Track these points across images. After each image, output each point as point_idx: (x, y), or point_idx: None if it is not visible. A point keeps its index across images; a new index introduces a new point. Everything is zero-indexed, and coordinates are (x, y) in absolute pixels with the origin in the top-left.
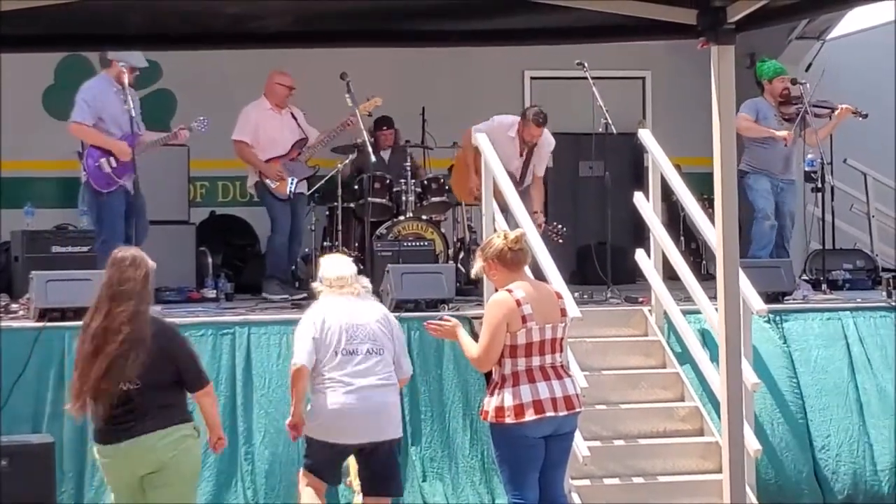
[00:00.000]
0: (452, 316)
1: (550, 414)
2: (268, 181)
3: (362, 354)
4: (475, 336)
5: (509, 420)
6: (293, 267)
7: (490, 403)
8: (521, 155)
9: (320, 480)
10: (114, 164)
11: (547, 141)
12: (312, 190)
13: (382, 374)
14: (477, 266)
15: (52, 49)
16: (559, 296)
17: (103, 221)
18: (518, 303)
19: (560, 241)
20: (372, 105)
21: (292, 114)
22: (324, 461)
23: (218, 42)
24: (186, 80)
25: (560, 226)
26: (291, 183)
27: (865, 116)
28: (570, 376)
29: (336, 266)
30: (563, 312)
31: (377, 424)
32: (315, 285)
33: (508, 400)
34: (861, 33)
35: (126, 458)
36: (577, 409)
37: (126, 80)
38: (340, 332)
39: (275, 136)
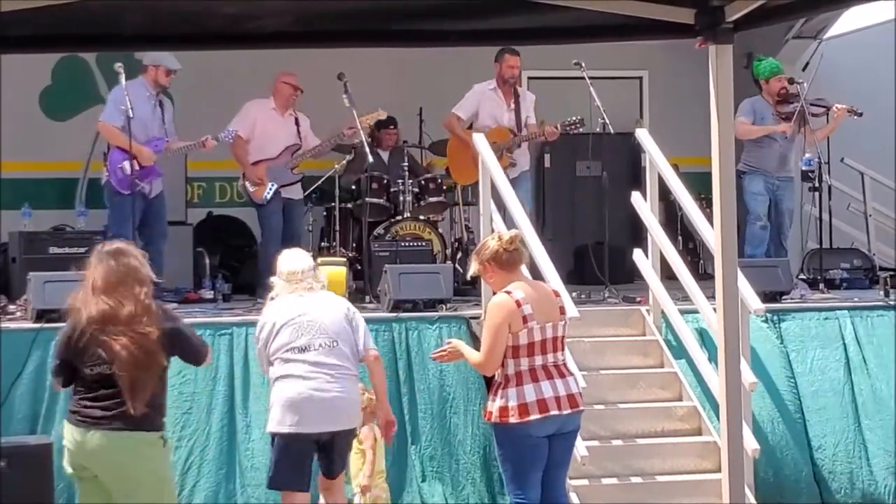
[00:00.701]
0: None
1: (555, 412)
2: (247, 183)
3: (316, 349)
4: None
5: (514, 420)
6: None
7: (494, 404)
8: (510, 106)
9: (293, 493)
10: (135, 166)
11: (528, 93)
12: (310, 190)
13: (338, 366)
14: (473, 268)
15: (49, 50)
16: (557, 294)
17: (115, 221)
18: (518, 303)
19: (581, 128)
20: (374, 118)
21: (297, 119)
22: (289, 462)
23: (216, 42)
24: (184, 80)
25: (575, 117)
26: (269, 190)
27: (860, 115)
28: (571, 374)
29: (291, 261)
30: (563, 311)
31: (334, 415)
32: (272, 279)
33: (513, 400)
34: (857, 32)
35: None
36: (581, 408)
37: (119, 80)
38: (291, 330)
39: (271, 136)
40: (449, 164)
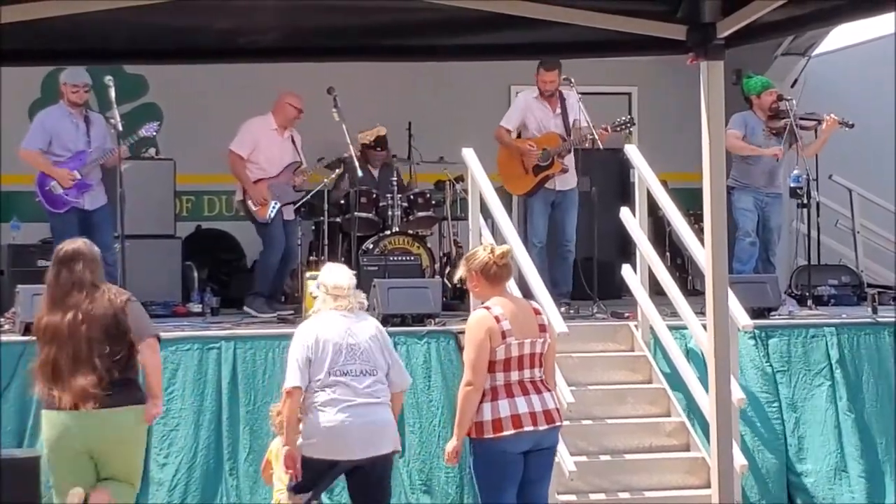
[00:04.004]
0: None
1: (529, 428)
2: (249, 202)
3: (355, 375)
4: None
5: (488, 435)
6: (284, 283)
7: None
8: (556, 112)
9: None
10: (70, 181)
11: (572, 94)
12: (299, 204)
13: (375, 392)
14: (459, 273)
15: (40, 63)
16: (538, 311)
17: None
18: (497, 319)
19: (631, 128)
20: (374, 133)
21: (292, 137)
22: (318, 479)
23: (207, 56)
24: (173, 93)
25: (626, 117)
26: (273, 208)
27: (851, 126)
28: (549, 391)
29: (335, 275)
30: (542, 328)
31: (374, 440)
32: (312, 289)
33: (487, 415)
34: (846, 50)
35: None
36: (557, 424)
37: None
38: (334, 352)
39: (271, 156)
40: (500, 175)
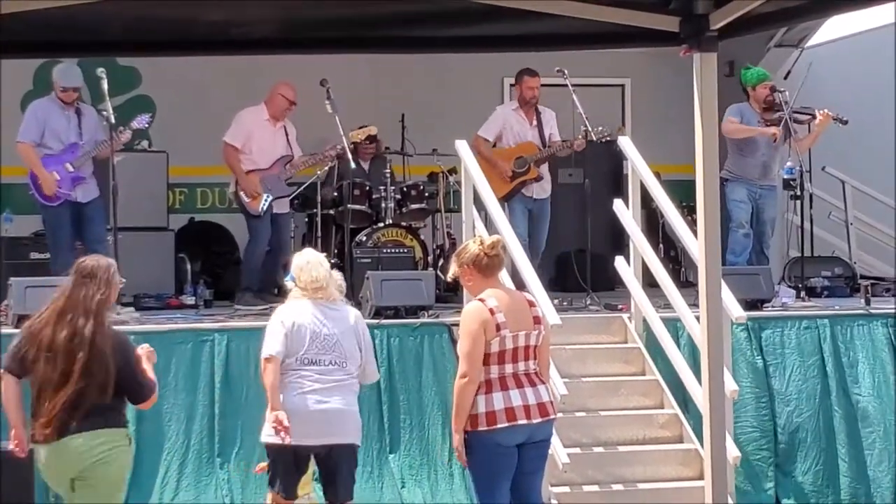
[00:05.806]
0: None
1: (523, 421)
2: (241, 194)
3: (325, 365)
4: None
5: (482, 428)
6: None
7: None
8: (533, 124)
9: (289, 500)
10: (57, 177)
11: (548, 110)
12: (291, 196)
13: (342, 382)
14: (452, 270)
15: (33, 55)
16: (532, 304)
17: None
18: (491, 311)
19: (608, 138)
20: (365, 133)
21: (285, 128)
22: (287, 471)
23: (200, 48)
24: (166, 86)
25: (600, 128)
26: (265, 201)
27: (845, 122)
28: (543, 383)
29: (311, 268)
30: (537, 320)
31: (335, 428)
32: (287, 283)
33: (481, 407)
34: (839, 41)
35: (58, 458)
36: (552, 416)
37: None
38: (307, 339)
39: (264, 147)
40: None
